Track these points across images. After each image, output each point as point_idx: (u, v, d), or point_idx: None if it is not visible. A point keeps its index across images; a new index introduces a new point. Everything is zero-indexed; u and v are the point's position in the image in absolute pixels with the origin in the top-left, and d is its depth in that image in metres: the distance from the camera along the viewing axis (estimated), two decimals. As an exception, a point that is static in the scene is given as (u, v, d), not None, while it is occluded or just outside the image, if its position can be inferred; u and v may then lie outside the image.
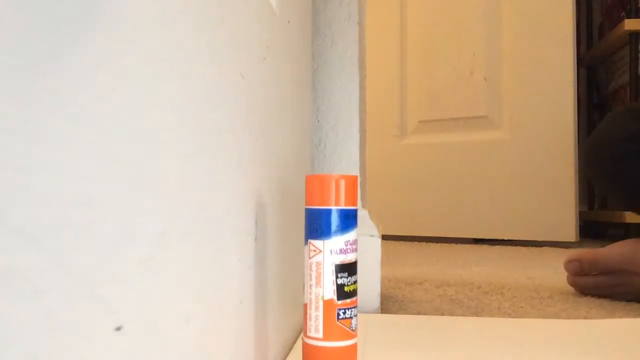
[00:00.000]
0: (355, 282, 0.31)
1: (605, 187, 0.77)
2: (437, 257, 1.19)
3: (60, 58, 0.13)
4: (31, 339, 0.11)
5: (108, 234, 0.15)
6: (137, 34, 0.16)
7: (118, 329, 0.15)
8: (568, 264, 0.71)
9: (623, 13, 1.65)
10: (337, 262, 0.30)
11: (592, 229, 1.80)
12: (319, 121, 0.63)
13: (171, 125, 0.19)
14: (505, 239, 1.52)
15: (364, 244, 0.59)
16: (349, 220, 0.30)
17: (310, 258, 0.30)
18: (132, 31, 0.16)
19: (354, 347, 0.30)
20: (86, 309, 0.13)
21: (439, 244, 1.53)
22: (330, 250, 0.30)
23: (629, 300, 0.65)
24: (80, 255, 0.13)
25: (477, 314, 0.59)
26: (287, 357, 0.38)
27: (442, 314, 0.58)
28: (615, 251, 0.68)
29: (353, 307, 0.30)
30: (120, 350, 0.15)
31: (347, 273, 0.30)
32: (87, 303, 0.14)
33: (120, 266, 0.15)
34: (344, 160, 0.63)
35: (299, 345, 0.41)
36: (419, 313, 0.59)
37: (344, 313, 0.30)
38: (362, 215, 0.60)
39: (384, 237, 1.72)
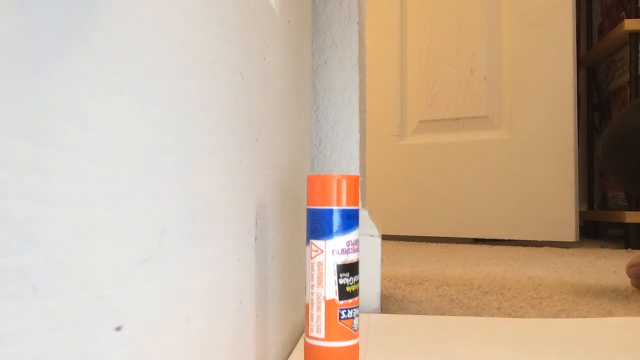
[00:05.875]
0: (357, 282, 0.31)
1: (629, 177, 0.77)
2: (437, 257, 1.19)
3: (60, 58, 0.12)
4: (31, 338, 0.11)
5: (108, 234, 0.14)
6: (137, 33, 0.16)
7: (118, 329, 0.15)
8: (630, 269, 0.72)
9: (623, 13, 1.65)
10: (339, 262, 0.30)
11: (592, 229, 1.80)
12: (319, 121, 0.63)
13: (171, 125, 0.19)
14: (505, 239, 1.52)
15: (364, 244, 0.59)
16: (350, 220, 0.30)
17: (312, 258, 0.30)
18: (132, 31, 0.16)
19: (356, 347, 0.30)
20: (86, 309, 0.13)
21: (439, 244, 1.53)
22: (332, 251, 0.30)
23: None
24: (80, 255, 0.13)
25: (477, 314, 0.59)
26: (289, 358, 0.38)
27: (442, 314, 0.58)
28: None
29: (355, 307, 0.30)
30: (121, 350, 0.15)
31: (348, 273, 0.30)
32: (87, 303, 0.13)
33: (120, 266, 0.15)
34: (344, 160, 0.63)
35: (300, 346, 0.41)
36: (419, 313, 0.59)
37: (346, 313, 0.30)
38: (362, 215, 0.60)
39: (384, 237, 1.72)
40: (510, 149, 1.52)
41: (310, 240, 0.30)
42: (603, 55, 1.79)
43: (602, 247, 1.45)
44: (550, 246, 1.44)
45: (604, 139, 0.78)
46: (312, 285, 0.30)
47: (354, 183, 0.30)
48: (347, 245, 0.30)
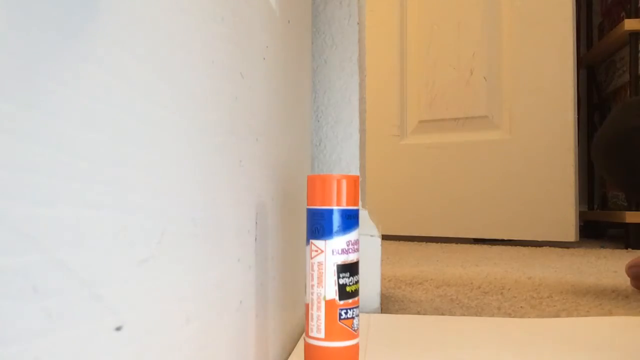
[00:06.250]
0: (357, 282, 0.31)
1: (625, 178, 0.76)
2: (437, 257, 1.19)
3: (60, 58, 0.12)
4: (31, 338, 0.11)
5: (108, 234, 0.14)
6: (137, 33, 0.16)
7: (118, 329, 0.15)
8: (630, 270, 0.73)
9: (623, 13, 1.65)
10: (339, 262, 0.30)
11: (592, 229, 1.80)
12: (319, 121, 0.63)
13: (171, 125, 0.19)
14: (505, 239, 1.52)
15: (364, 244, 0.59)
16: (350, 220, 0.30)
17: (312, 258, 0.30)
18: (132, 31, 0.16)
19: (355, 347, 0.30)
20: (86, 309, 0.13)
21: (439, 244, 1.53)
22: (332, 251, 0.30)
23: None
24: (80, 255, 0.13)
25: (477, 314, 0.59)
26: (289, 358, 0.38)
27: (442, 314, 0.58)
28: None
29: (355, 307, 0.30)
30: (120, 350, 0.15)
31: (348, 273, 0.30)
32: (87, 303, 0.13)
33: (120, 266, 0.15)
34: (344, 160, 0.63)
35: (300, 346, 0.41)
36: (419, 313, 0.59)
37: (346, 313, 0.30)
38: (362, 215, 0.60)
39: (384, 237, 1.72)
40: (510, 149, 1.52)
41: (310, 240, 0.30)
42: (603, 55, 1.79)
43: (602, 247, 1.45)
44: (550, 246, 1.44)
45: (597, 141, 0.77)
46: (312, 285, 0.30)
47: (354, 183, 0.30)
48: (347, 245, 0.30)
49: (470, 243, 1.57)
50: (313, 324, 0.30)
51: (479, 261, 1.10)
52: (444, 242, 1.59)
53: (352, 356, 0.30)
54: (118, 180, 0.15)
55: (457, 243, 1.56)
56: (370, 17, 1.62)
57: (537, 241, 1.47)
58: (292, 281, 0.41)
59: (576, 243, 1.44)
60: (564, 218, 1.43)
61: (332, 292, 0.30)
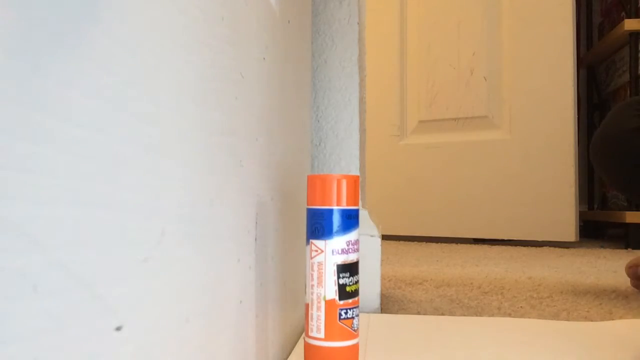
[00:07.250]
0: (357, 282, 0.31)
1: (619, 179, 0.76)
2: (437, 257, 1.19)
3: (61, 58, 0.12)
4: (31, 339, 0.11)
5: (108, 234, 0.14)
6: (137, 33, 0.16)
7: (118, 329, 0.15)
8: (630, 269, 0.73)
9: (623, 13, 1.65)
10: (339, 262, 0.30)
11: (592, 229, 1.80)
12: (319, 121, 0.63)
13: (171, 125, 0.19)
14: (505, 239, 1.52)
15: (364, 244, 0.59)
16: (350, 220, 0.30)
17: (311, 258, 0.30)
18: (132, 31, 0.16)
19: (355, 347, 0.30)
20: (86, 309, 0.13)
21: (439, 244, 1.53)
22: (332, 251, 0.30)
23: None
24: (80, 255, 0.13)
25: (477, 314, 0.59)
26: (289, 358, 0.38)
27: (442, 314, 0.58)
28: None
29: (355, 307, 0.30)
30: (121, 350, 0.15)
31: (348, 273, 0.30)
32: (87, 303, 0.13)
33: (120, 266, 0.15)
34: (344, 160, 0.63)
35: (300, 346, 0.41)
36: (419, 313, 0.59)
37: (346, 313, 0.30)
38: (362, 215, 0.60)
39: (384, 237, 1.73)
40: (510, 149, 1.52)
41: (310, 240, 0.30)
42: (603, 55, 1.79)
43: (602, 247, 1.45)
44: (550, 246, 1.44)
45: (596, 141, 0.78)
46: (312, 285, 0.30)
47: (354, 183, 0.30)
48: (347, 245, 0.30)
49: (470, 243, 1.57)
50: (313, 324, 0.30)
51: (479, 261, 1.10)
52: (444, 242, 1.59)
53: (352, 356, 0.30)
54: (118, 180, 0.15)
55: (457, 243, 1.56)
56: (370, 17, 1.62)
57: (537, 241, 1.47)
58: (292, 281, 0.41)
59: (576, 243, 1.44)
60: (563, 218, 1.43)
61: (332, 292, 0.30)
